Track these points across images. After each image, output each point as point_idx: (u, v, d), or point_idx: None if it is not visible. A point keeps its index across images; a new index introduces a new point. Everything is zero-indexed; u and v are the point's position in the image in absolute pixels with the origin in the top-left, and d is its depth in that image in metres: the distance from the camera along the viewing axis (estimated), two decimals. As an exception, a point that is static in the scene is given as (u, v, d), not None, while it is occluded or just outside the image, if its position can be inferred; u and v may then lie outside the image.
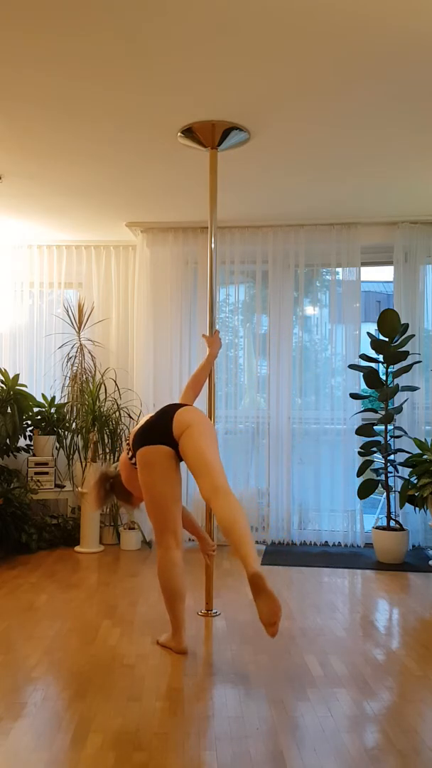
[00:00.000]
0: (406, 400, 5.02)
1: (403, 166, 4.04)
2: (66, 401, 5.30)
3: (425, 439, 4.83)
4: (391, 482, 4.89)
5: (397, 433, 4.91)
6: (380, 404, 4.95)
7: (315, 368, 5.34)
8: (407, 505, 4.73)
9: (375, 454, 4.91)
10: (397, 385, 4.75)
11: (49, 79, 2.96)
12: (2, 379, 5.18)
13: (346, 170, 4.10)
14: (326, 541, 5.19)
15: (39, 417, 5.31)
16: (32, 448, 5.31)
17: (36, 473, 5.15)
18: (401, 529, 4.73)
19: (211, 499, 2.76)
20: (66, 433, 5.23)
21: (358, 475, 4.88)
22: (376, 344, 4.83)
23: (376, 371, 4.84)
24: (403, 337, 4.79)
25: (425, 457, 4.58)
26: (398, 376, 4.83)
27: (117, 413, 5.16)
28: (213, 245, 3.67)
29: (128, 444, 3.23)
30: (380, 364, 4.92)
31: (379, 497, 5.26)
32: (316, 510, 5.25)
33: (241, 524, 2.63)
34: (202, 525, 4.86)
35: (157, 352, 5.36)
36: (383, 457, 4.81)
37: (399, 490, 4.75)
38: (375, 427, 4.90)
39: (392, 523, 4.82)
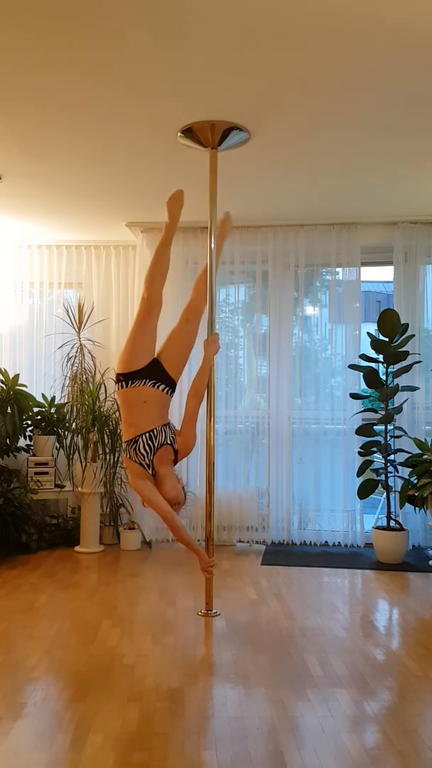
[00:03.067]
0: (406, 400, 5.02)
1: (403, 167, 4.03)
2: (66, 401, 5.30)
3: (425, 439, 4.82)
4: (391, 482, 4.88)
5: (397, 433, 4.91)
6: (380, 404, 4.95)
7: (315, 368, 5.34)
8: (407, 505, 4.73)
9: (375, 454, 4.91)
10: (397, 385, 4.75)
11: (50, 79, 2.96)
12: (2, 379, 5.18)
13: (346, 170, 4.10)
14: (326, 541, 5.19)
15: (39, 417, 5.31)
16: (32, 448, 5.31)
17: (36, 473, 5.15)
18: (401, 529, 4.73)
19: None
20: (66, 433, 5.23)
21: (358, 475, 4.88)
22: (376, 344, 4.82)
23: (376, 371, 4.83)
24: (403, 337, 4.79)
25: (425, 457, 4.58)
26: (398, 376, 4.82)
27: (117, 413, 5.15)
28: (213, 245, 3.67)
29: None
30: (380, 364, 4.92)
31: (379, 497, 5.26)
32: (316, 510, 5.24)
33: None
34: (202, 526, 4.86)
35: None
36: (383, 457, 4.81)
37: (399, 490, 4.75)
38: (375, 427, 4.89)
39: (392, 523, 4.82)
